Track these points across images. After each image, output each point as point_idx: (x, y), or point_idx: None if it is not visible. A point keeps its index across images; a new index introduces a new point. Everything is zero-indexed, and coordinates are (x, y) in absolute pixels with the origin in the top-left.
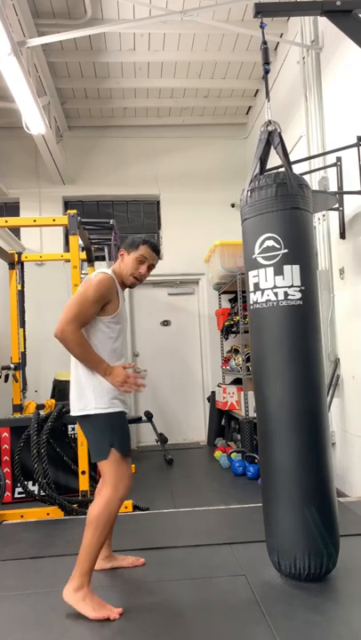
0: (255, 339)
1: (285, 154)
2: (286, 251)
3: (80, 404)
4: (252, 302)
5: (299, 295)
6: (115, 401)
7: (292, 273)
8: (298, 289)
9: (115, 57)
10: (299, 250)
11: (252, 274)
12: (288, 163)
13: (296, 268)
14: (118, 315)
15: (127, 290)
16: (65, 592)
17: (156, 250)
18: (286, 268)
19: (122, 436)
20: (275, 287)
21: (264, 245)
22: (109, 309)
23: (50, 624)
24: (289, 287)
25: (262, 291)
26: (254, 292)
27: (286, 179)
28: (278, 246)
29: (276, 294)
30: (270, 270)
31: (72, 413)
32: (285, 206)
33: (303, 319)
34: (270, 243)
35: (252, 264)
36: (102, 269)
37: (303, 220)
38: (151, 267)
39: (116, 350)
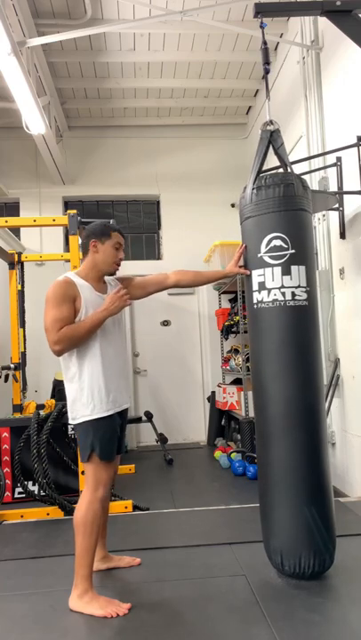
0: (257, 338)
1: (286, 154)
2: (293, 251)
3: (72, 414)
4: (256, 301)
5: (305, 296)
6: (101, 406)
7: (299, 273)
8: (304, 289)
9: (115, 57)
10: (304, 251)
11: (256, 272)
12: (289, 163)
13: (302, 268)
14: (84, 309)
15: None
16: (70, 601)
17: (123, 235)
18: (293, 268)
19: (104, 441)
20: (282, 287)
21: (271, 245)
22: (75, 307)
23: (50, 624)
24: (296, 287)
25: (268, 290)
26: (259, 291)
27: (293, 179)
28: (286, 246)
29: (283, 294)
30: (278, 270)
31: (69, 422)
32: (293, 207)
33: (308, 319)
34: (278, 242)
35: (258, 263)
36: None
37: (307, 221)
38: (123, 250)
39: (99, 347)
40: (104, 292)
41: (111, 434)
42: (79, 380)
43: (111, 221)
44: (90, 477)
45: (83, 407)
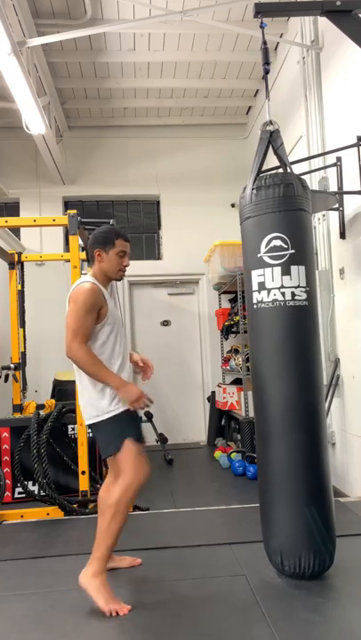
0: (257, 338)
1: (285, 155)
2: (293, 251)
3: (93, 412)
4: (255, 301)
5: (305, 296)
6: (120, 399)
7: (299, 273)
8: (304, 289)
9: (115, 57)
10: (304, 251)
11: (256, 272)
12: (289, 164)
13: (302, 268)
14: (110, 316)
15: (127, 290)
16: (82, 576)
17: (127, 239)
18: (293, 268)
19: (134, 427)
20: (282, 287)
21: (271, 245)
22: (101, 314)
23: (50, 624)
24: (296, 287)
25: (268, 290)
26: (259, 291)
27: (292, 179)
28: (286, 246)
29: (283, 294)
30: (278, 270)
31: (87, 422)
32: (292, 207)
33: (308, 319)
34: (277, 242)
35: (257, 263)
36: (84, 278)
37: (307, 221)
38: (129, 255)
39: (116, 350)
40: (110, 294)
41: (137, 419)
42: (95, 382)
43: (111, 221)
44: (129, 463)
45: (107, 404)
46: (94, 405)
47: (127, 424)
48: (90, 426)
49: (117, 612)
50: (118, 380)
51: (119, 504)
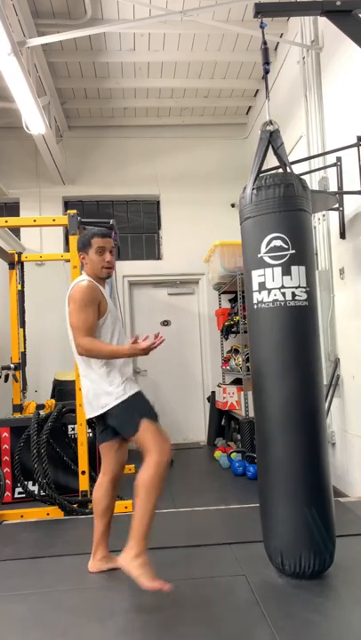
0: (258, 338)
1: (285, 155)
2: (293, 251)
3: (101, 403)
4: (256, 302)
5: (305, 296)
6: (129, 385)
7: (299, 273)
8: (304, 290)
9: (115, 57)
10: (304, 251)
11: (256, 273)
12: (289, 164)
13: (302, 269)
14: (109, 313)
15: (127, 290)
16: (123, 559)
17: (105, 235)
18: (293, 268)
19: (147, 407)
20: (282, 287)
21: (271, 245)
22: (101, 310)
23: (50, 624)
24: (296, 288)
25: (269, 290)
26: (259, 291)
27: (293, 180)
28: (286, 246)
29: (283, 294)
30: (278, 270)
31: (92, 415)
32: (293, 207)
33: (308, 319)
34: (278, 243)
35: (258, 263)
36: (80, 277)
37: (307, 221)
38: (112, 250)
39: (118, 343)
40: (111, 295)
41: (147, 401)
42: (105, 373)
43: (111, 221)
44: (151, 441)
45: (116, 390)
46: (107, 392)
47: (139, 405)
48: (104, 415)
49: (161, 588)
50: (126, 348)
51: (152, 482)
